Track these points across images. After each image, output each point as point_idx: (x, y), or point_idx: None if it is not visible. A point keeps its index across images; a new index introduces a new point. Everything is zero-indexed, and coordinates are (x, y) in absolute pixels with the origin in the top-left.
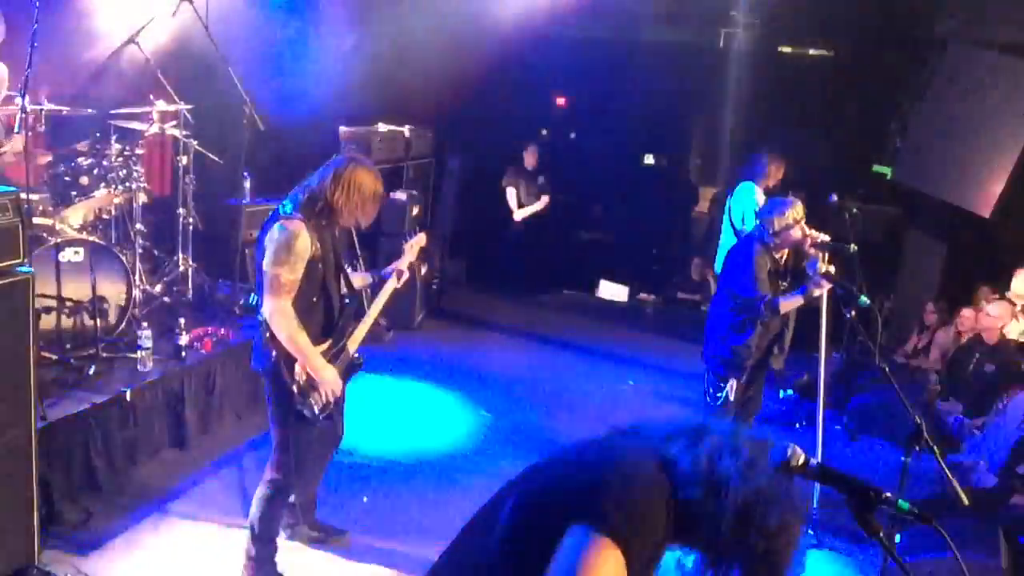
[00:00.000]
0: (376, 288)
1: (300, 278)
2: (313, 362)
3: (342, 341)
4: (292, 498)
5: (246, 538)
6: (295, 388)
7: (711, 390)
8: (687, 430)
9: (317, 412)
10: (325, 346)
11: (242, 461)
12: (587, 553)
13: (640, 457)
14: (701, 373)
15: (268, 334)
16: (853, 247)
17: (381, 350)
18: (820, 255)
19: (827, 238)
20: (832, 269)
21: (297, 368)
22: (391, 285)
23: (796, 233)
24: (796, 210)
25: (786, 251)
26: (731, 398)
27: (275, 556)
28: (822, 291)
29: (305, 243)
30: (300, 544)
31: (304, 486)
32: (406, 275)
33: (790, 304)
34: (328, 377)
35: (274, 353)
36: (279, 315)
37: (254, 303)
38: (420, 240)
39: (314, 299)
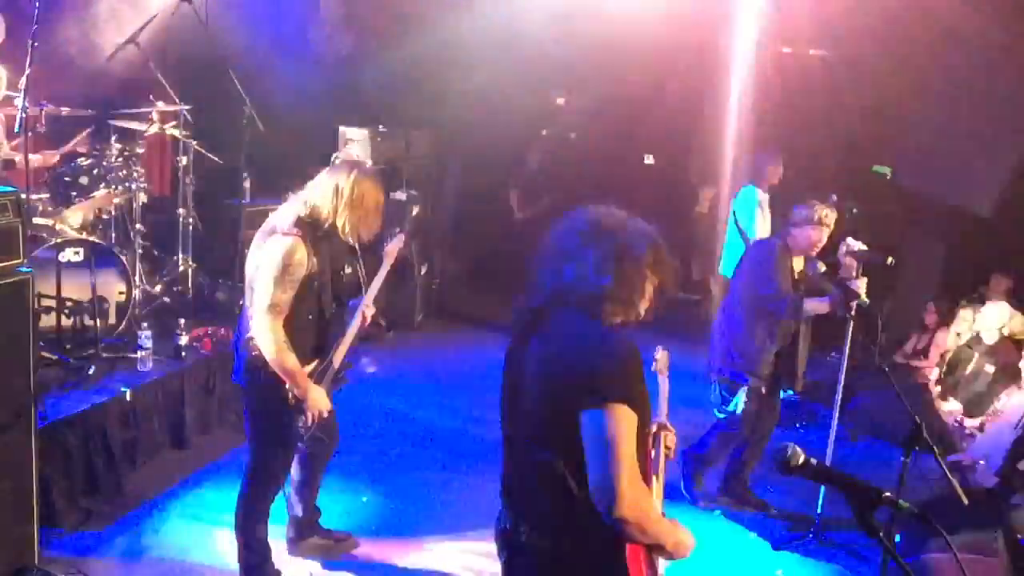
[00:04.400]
0: (356, 301)
1: (293, 297)
2: (301, 384)
3: (328, 357)
4: (295, 512)
5: (237, 548)
6: (283, 410)
7: (721, 400)
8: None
9: (303, 434)
10: (312, 365)
11: (242, 461)
12: (602, 428)
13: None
14: (700, 372)
15: (257, 353)
16: (890, 259)
17: (381, 350)
18: (854, 265)
19: (864, 247)
20: (865, 280)
21: (287, 390)
22: (371, 295)
23: (814, 235)
24: (825, 211)
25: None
26: (742, 407)
27: (271, 556)
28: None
29: (302, 260)
30: (305, 551)
31: (303, 502)
32: (371, 311)
33: (815, 307)
34: (316, 399)
35: (262, 373)
36: (269, 336)
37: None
38: (399, 243)
39: (308, 317)
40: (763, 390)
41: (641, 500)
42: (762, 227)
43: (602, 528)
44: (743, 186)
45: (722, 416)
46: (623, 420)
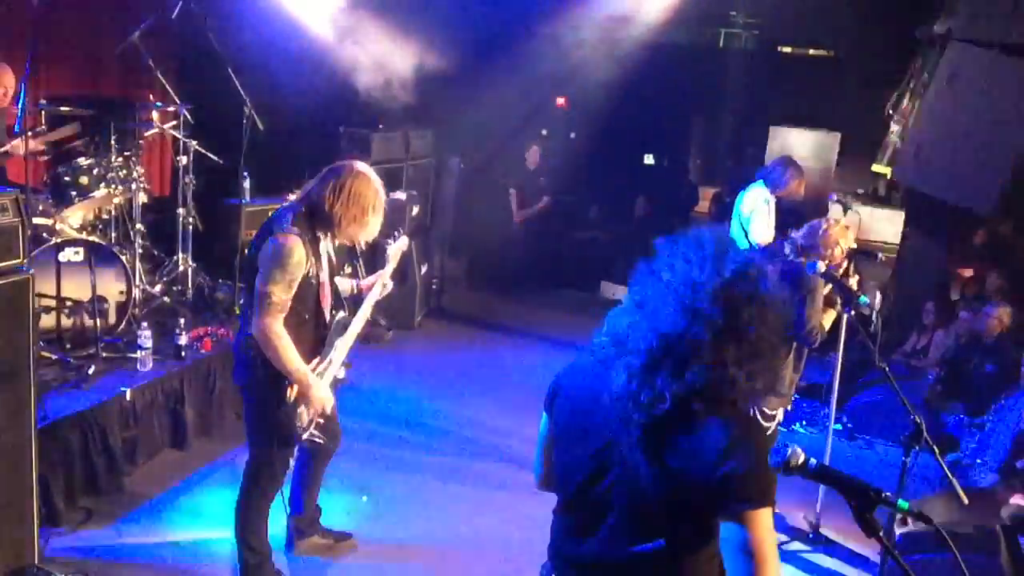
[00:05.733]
0: (357, 301)
1: (293, 296)
2: (304, 382)
3: (328, 357)
4: (295, 512)
5: (237, 548)
6: (282, 409)
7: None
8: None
9: (301, 433)
10: (312, 364)
11: (242, 461)
12: (749, 536)
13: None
14: None
15: (256, 352)
16: (880, 256)
17: (381, 350)
18: (845, 261)
19: (853, 245)
20: (857, 278)
21: (287, 388)
22: (373, 297)
23: (837, 252)
24: (839, 219)
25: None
26: (778, 422)
27: (271, 556)
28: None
29: (300, 259)
30: (305, 551)
31: (304, 501)
32: (389, 287)
33: (830, 319)
34: (319, 395)
35: (262, 372)
36: (271, 335)
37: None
38: (403, 244)
39: (306, 316)
40: (790, 408)
41: None
42: (765, 228)
43: None
44: (751, 183)
45: None
46: (765, 522)
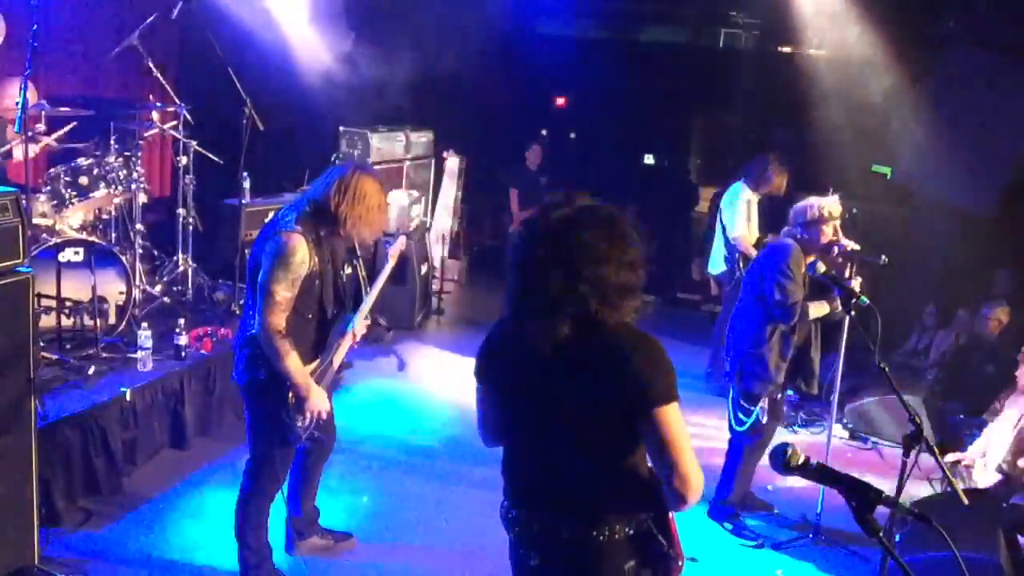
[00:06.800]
0: (357, 302)
1: (296, 295)
2: (302, 383)
3: (328, 357)
4: (294, 512)
5: (237, 548)
6: (282, 409)
7: (738, 414)
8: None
9: (301, 433)
10: (313, 365)
11: (242, 461)
12: (662, 430)
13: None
14: (702, 373)
15: (257, 352)
16: (884, 258)
17: (381, 350)
18: (847, 265)
19: (857, 247)
20: (859, 280)
21: (287, 389)
22: (371, 299)
23: (827, 230)
24: (833, 206)
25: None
26: (763, 420)
27: (270, 556)
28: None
29: (303, 258)
30: (304, 551)
31: (302, 501)
32: (367, 322)
33: (816, 311)
34: (316, 399)
35: (262, 371)
36: (273, 334)
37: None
38: (401, 244)
39: (308, 316)
40: (778, 396)
41: (702, 481)
42: (744, 225)
43: (659, 505)
44: (732, 182)
45: (740, 429)
46: (674, 415)
